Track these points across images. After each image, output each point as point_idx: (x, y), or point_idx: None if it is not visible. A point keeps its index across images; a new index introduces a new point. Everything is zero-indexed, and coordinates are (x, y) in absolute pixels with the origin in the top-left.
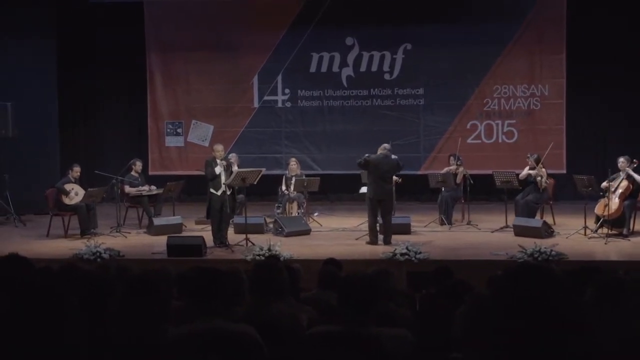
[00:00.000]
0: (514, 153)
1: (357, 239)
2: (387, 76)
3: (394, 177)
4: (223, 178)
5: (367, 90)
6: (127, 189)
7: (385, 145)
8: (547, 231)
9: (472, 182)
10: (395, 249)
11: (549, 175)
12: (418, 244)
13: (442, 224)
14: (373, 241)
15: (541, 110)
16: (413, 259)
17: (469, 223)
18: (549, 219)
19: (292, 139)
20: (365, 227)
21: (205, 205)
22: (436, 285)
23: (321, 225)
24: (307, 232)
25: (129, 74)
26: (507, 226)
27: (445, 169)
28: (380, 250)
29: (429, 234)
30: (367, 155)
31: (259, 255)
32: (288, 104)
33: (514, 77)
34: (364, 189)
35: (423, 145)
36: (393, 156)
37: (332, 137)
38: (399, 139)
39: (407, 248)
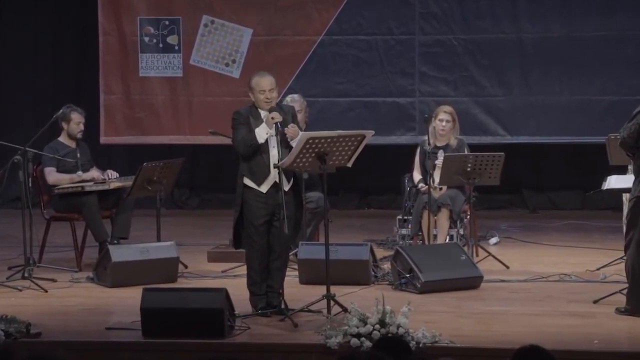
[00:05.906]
0: None
1: (595, 302)
2: None
3: None
4: (274, 154)
5: None
6: (52, 175)
7: None
8: None
9: None
10: None
11: None
12: None
13: None
14: (637, 307)
15: None
16: None
17: None
18: None
19: (439, 63)
20: (614, 271)
21: (232, 218)
22: None
23: (507, 268)
24: (471, 282)
25: None
26: None
27: None
28: None
29: None
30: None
31: (356, 335)
32: None
33: None
34: (613, 181)
35: None
36: None
37: (534, 60)
38: None
39: None
